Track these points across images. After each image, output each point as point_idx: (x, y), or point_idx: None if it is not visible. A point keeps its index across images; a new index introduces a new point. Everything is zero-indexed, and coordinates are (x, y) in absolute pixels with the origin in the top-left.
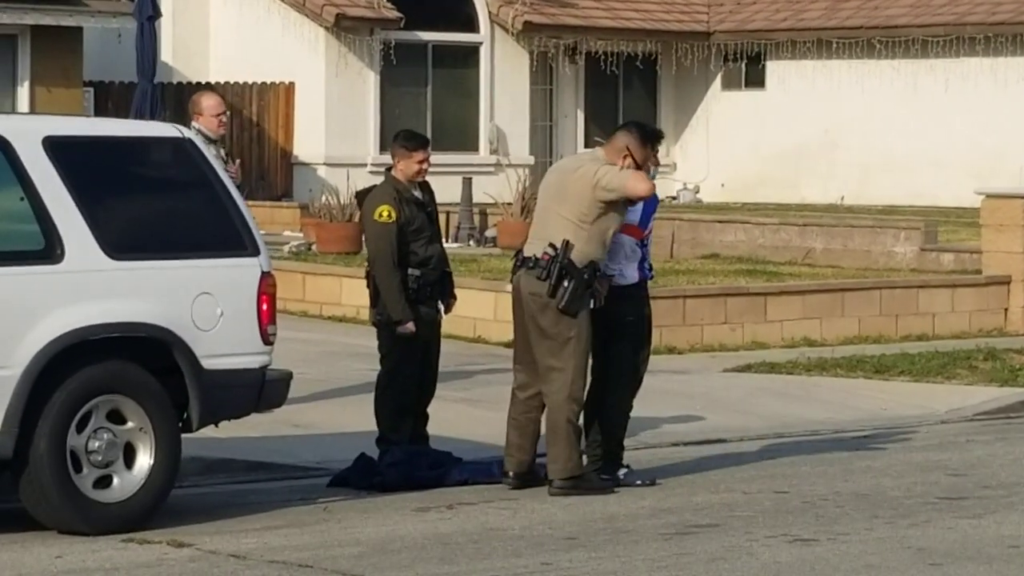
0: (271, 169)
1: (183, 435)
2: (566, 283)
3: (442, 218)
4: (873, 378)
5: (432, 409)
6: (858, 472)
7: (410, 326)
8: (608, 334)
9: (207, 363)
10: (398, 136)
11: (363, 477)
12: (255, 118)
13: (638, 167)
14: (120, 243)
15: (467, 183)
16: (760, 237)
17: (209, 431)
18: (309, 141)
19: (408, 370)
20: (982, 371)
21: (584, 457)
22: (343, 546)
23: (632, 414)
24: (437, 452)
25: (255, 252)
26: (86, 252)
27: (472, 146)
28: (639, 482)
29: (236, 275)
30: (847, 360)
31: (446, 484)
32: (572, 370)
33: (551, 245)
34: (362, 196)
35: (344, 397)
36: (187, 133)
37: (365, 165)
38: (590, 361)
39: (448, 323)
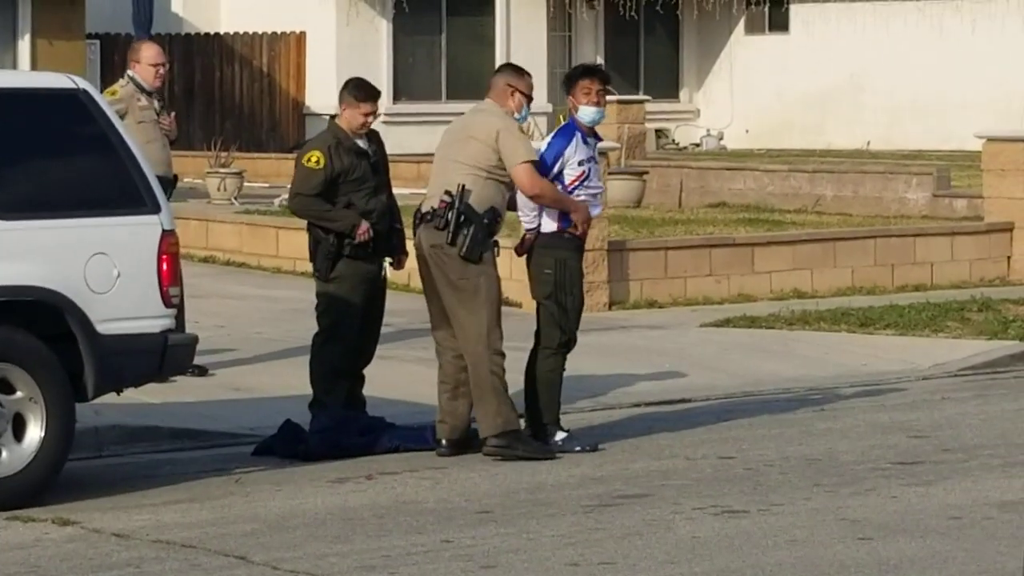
0: (283, 120)
1: (96, 401)
2: (465, 230)
3: None
4: (857, 332)
5: (383, 370)
6: (816, 435)
7: (363, 227)
8: (533, 287)
9: (102, 328)
10: (348, 84)
11: (288, 445)
12: (266, 69)
13: (528, 98)
14: (7, 202)
15: None
16: (769, 185)
17: (138, 395)
18: (321, 91)
19: (345, 331)
20: (973, 323)
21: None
22: (238, 522)
23: (598, 372)
24: (369, 418)
25: (155, 209)
26: None
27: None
28: (578, 448)
29: (134, 234)
30: (831, 313)
31: (375, 452)
32: (486, 318)
33: (447, 192)
34: (300, 146)
35: (297, 358)
36: (81, 84)
37: (379, 116)
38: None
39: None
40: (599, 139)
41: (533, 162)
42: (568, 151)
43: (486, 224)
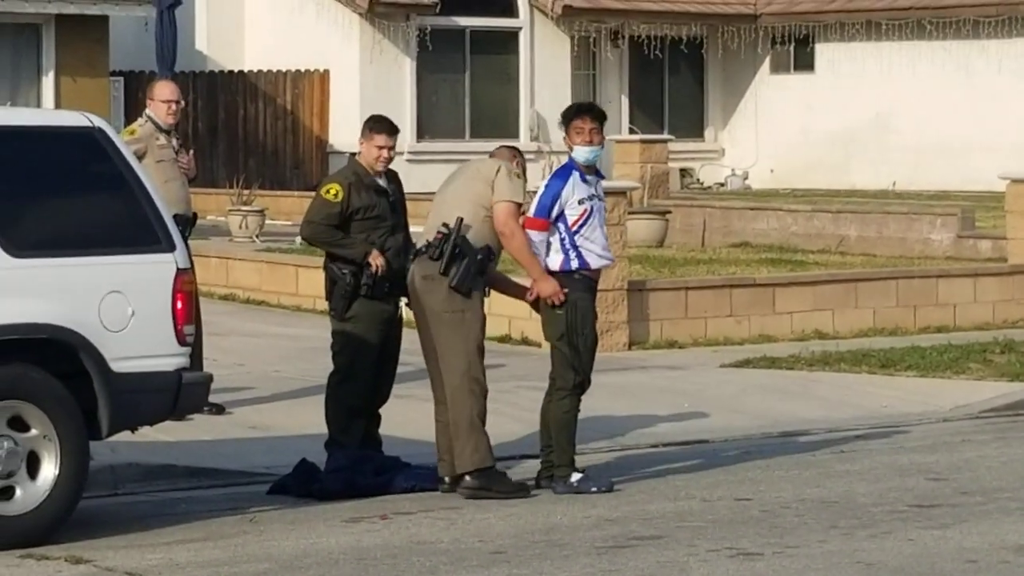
0: (306, 158)
1: (113, 439)
2: (459, 262)
3: None
4: (878, 373)
5: (399, 410)
6: (834, 476)
7: (376, 256)
8: (545, 329)
9: (117, 366)
10: (368, 119)
11: (303, 484)
12: (289, 107)
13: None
14: (22, 240)
15: None
16: (793, 225)
17: (155, 433)
18: (344, 130)
19: (361, 370)
20: (996, 365)
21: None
22: (252, 562)
23: (616, 413)
24: (384, 457)
25: (170, 248)
26: None
27: (512, 133)
28: (594, 489)
29: (149, 272)
30: (852, 354)
31: (390, 491)
32: (467, 354)
33: (444, 224)
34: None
35: (314, 396)
36: (96, 122)
37: (402, 153)
38: None
39: None
40: (601, 176)
41: (517, 205)
42: (566, 191)
43: (479, 260)
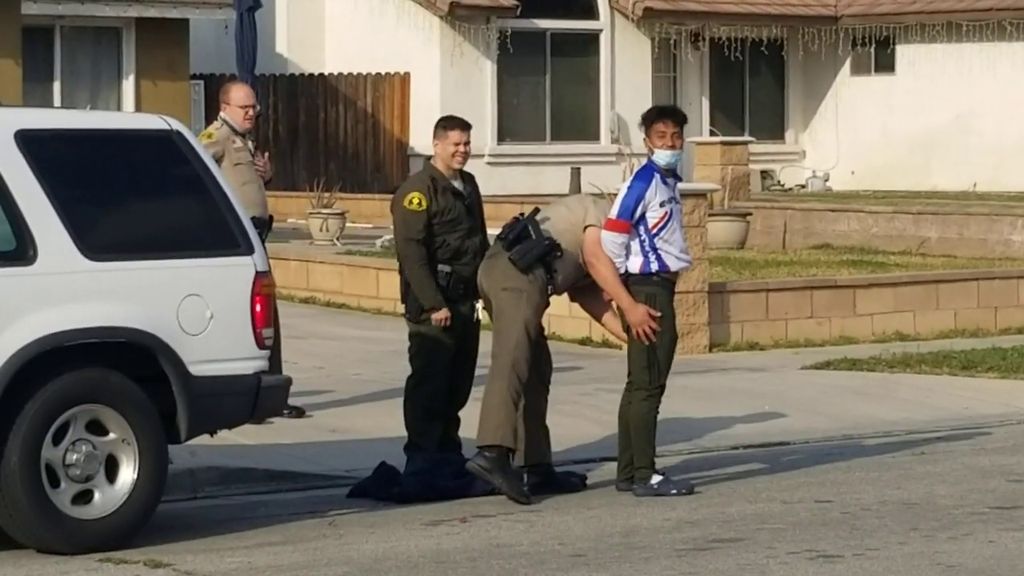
0: (387, 161)
1: (192, 443)
2: (523, 242)
3: None
4: (959, 375)
5: (478, 412)
6: (914, 478)
7: (442, 314)
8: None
9: (195, 369)
10: (439, 120)
11: (383, 487)
12: (370, 109)
13: None
14: (99, 243)
15: (575, 173)
16: (874, 226)
17: (234, 437)
18: (425, 132)
19: (438, 372)
20: None
21: (517, 437)
22: (331, 565)
23: (696, 414)
24: (463, 459)
25: (248, 251)
26: (62, 252)
27: (593, 135)
28: (674, 491)
29: (227, 275)
30: (933, 356)
31: (470, 495)
32: (517, 336)
33: (520, 213)
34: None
35: (394, 400)
36: (175, 125)
37: (482, 156)
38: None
39: None
40: (679, 179)
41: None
42: (649, 193)
43: (545, 245)
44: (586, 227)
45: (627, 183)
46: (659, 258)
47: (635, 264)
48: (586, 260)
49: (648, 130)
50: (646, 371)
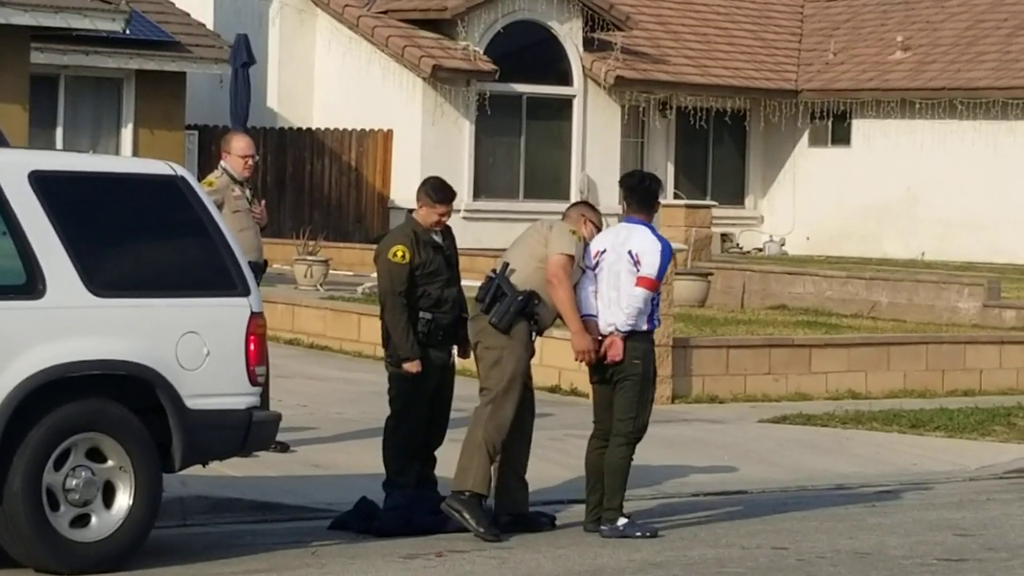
0: (368, 212)
1: (183, 473)
2: (500, 302)
3: None
4: (908, 432)
5: (454, 452)
6: (867, 529)
7: (414, 365)
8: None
9: (191, 403)
10: (426, 183)
11: (362, 521)
12: (354, 163)
13: (598, 228)
14: (105, 280)
15: None
16: (828, 290)
17: (222, 468)
18: (405, 186)
19: (416, 414)
20: (1020, 428)
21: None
22: None
23: (659, 462)
24: (439, 497)
25: (245, 292)
26: (69, 288)
27: (564, 195)
28: (638, 533)
29: (224, 315)
30: (884, 414)
31: (446, 530)
32: (499, 390)
33: (492, 270)
34: (380, 238)
35: (373, 438)
36: (179, 171)
37: (458, 211)
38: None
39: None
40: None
41: (569, 257)
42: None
43: (520, 300)
44: (551, 255)
45: (655, 245)
46: (653, 315)
47: (643, 322)
48: (548, 282)
49: (654, 202)
50: (632, 421)
